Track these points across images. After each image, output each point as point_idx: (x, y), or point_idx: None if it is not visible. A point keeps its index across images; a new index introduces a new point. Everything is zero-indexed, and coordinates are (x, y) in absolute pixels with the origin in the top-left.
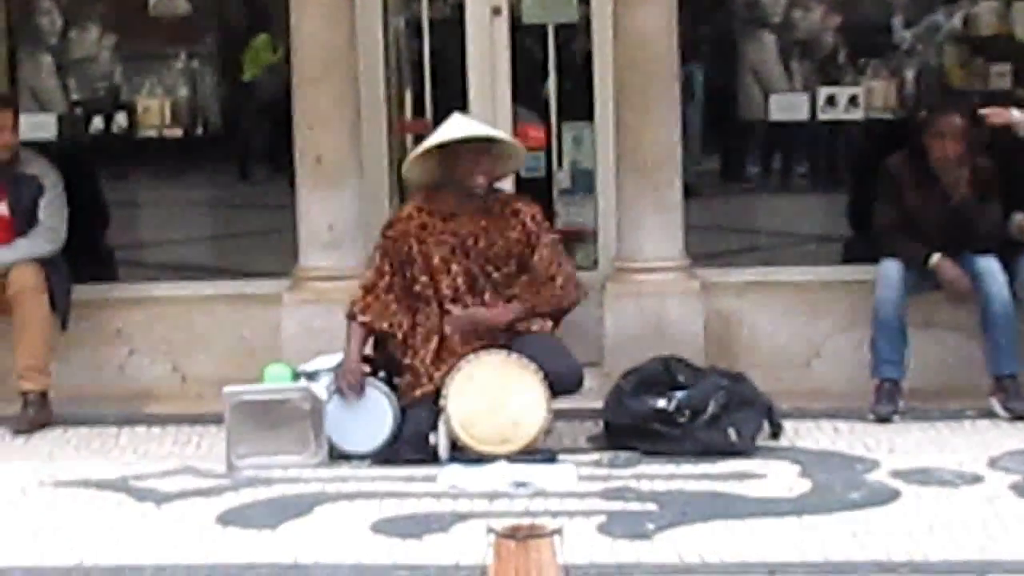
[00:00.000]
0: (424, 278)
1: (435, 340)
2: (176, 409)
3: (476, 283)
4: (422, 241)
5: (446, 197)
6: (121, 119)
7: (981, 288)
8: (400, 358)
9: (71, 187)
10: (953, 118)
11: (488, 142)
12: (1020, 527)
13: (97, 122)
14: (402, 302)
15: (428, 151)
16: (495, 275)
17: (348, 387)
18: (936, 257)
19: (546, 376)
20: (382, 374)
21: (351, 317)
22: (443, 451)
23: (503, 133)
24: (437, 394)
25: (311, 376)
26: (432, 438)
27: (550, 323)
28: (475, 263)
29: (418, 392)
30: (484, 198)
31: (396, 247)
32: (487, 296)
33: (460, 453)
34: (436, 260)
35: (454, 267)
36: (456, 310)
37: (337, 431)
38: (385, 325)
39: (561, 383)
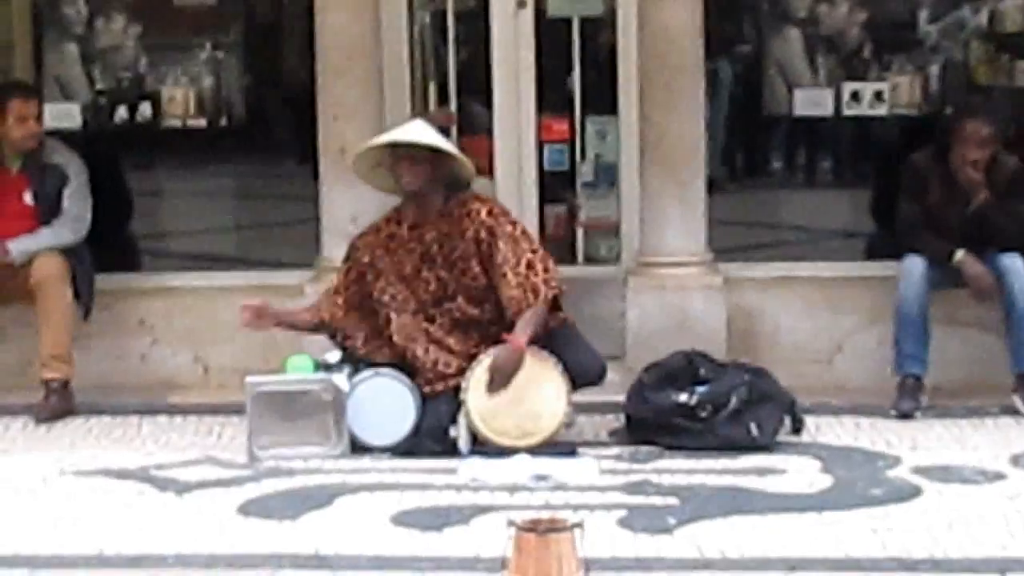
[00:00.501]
0: (397, 287)
1: (421, 345)
2: (198, 399)
3: (447, 289)
4: (391, 251)
5: (412, 207)
6: (145, 109)
7: (1004, 285)
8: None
9: (95, 176)
10: (979, 125)
11: (427, 149)
12: None
13: (121, 112)
14: (357, 310)
15: (380, 159)
16: (464, 279)
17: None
18: (960, 253)
19: (568, 370)
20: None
21: None
22: (463, 444)
23: (443, 143)
24: (457, 388)
25: (331, 367)
26: (452, 431)
27: (564, 315)
28: (443, 269)
29: (438, 387)
30: (443, 204)
31: (358, 257)
32: (460, 300)
33: (480, 446)
34: (408, 269)
35: (425, 274)
36: (437, 314)
37: (358, 423)
38: (326, 316)
39: (584, 376)
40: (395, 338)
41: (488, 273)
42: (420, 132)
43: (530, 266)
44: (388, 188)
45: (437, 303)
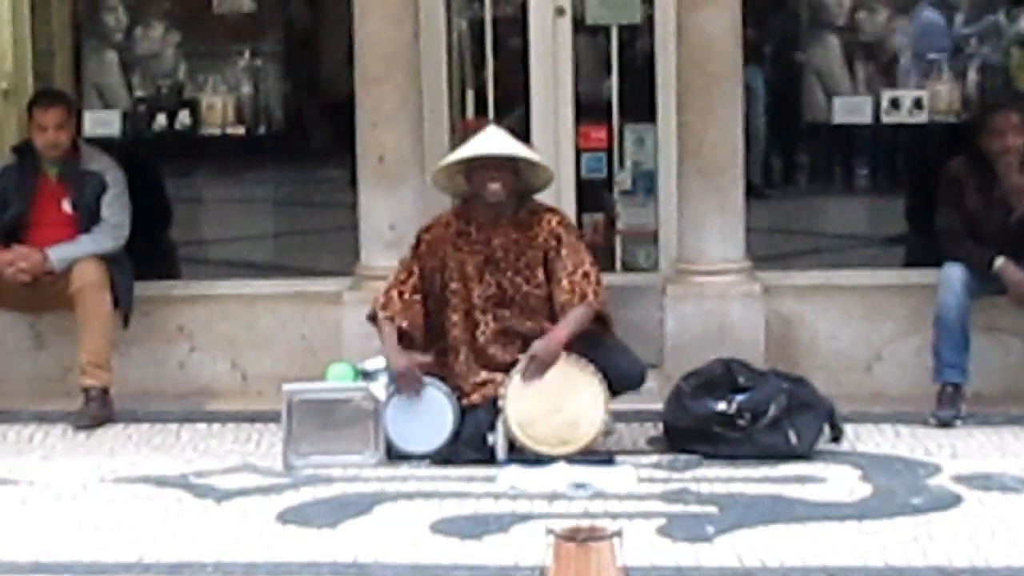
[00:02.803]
0: (456, 285)
1: (464, 350)
2: (237, 407)
3: (506, 295)
4: (458, 248)
5: (481, 208)
6: (184, 116)
7: None
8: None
9: (134, 184)
10: (1007, 113)
11: (507, 158)
12: None
13: (161, 119)
14: (428, 306)
15: (458, 168)
16: (525, 288)
17: (405, 383)
18: (1000, 260)
19: (607, 374)
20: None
21: (372, 318)
22: (500, 452)
23: (526, 151)
24: (494, 398)
25: (369, 375)
26: (490, 438)
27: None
28: (506, 276)
29: (474, 398)
30: (515, 211)
31: (430, 250)
32: (514, 310)
33: (518, 454)
34: (470, 268)
35: (487, 277)
36: (484, 321)
37: (397, 431)
38: (405, 324)
39: (624, 380)
40: (453, 333)
41: (548, 283)
42: (499, 143)
43: (585, 276)
44: (456, 192)
45: (488, 309)
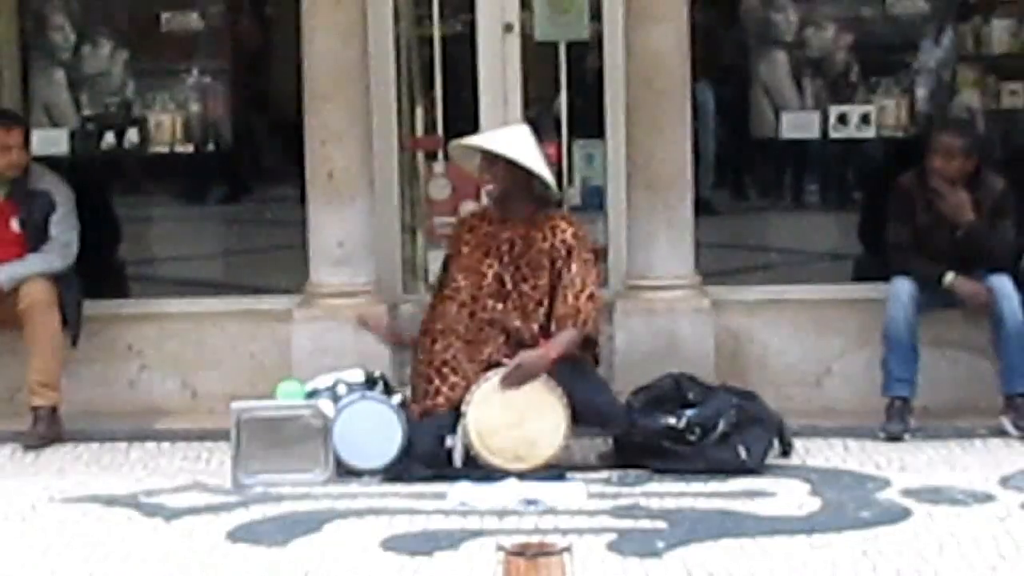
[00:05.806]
0: (460, 275)
1: (455, 340)
2: (186, 425)
3: (504, 288)
4: (466, 242)
5: (498, 206)
6: (133, 135)
7: (994, 307)
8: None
9: (82, 202)
10: (951, 137)
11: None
12: None
13: (109, 137)
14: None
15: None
16: (523, 286)
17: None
18: (951, 275)
19: (580, 408)
20: (380, 388)
21: None
22: (457, 456)
23: (510, 151)
24: (454, 409)
25: (312, 395)
26: (449, 441)
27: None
28: (506, 269)
29: (433, 401)
30: (532, 212)
31: (450, 244)
32: (507, 305)
33: (472, 464)
34: (473, 260)
35: (485, 268)
36: (479, 311)
37: (345, 447)
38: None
39: (590, 417)
40: (447, 321)
41: (550, 289)
42: (500, 140)
43: (591, 297)
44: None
45: (481, 299)
